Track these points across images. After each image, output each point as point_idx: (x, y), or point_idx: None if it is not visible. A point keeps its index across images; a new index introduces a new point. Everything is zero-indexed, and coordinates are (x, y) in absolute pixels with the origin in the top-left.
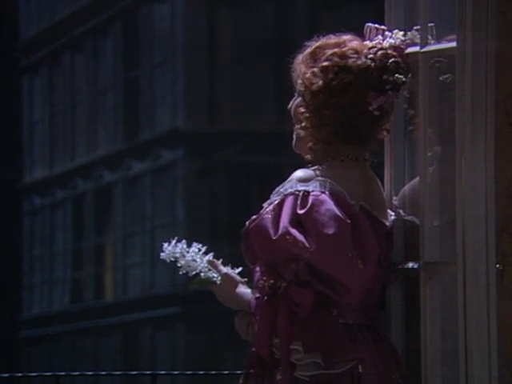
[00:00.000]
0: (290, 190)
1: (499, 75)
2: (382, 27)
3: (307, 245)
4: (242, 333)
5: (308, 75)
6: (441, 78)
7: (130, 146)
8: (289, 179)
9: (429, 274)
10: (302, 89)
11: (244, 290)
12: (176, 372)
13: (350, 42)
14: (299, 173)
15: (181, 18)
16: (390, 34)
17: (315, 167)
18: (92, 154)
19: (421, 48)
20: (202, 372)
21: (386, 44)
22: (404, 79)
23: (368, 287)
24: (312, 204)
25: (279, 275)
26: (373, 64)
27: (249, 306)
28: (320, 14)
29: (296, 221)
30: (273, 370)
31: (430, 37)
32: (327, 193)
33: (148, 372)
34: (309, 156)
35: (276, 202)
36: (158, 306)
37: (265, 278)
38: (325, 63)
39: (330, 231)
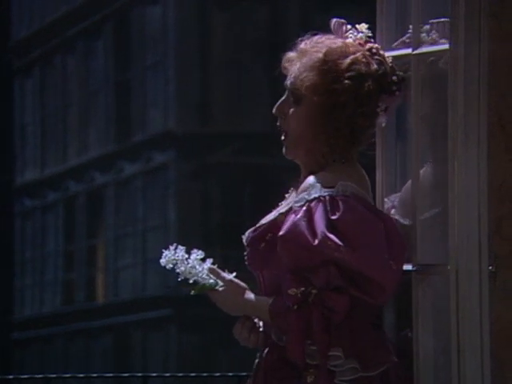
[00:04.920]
0: (314, 196)
1: (492, 77)
2: (342, 21)
3: (348, 249)
4: (242, 338)
5: (337, 86)
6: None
7: (121, 147)
8: (310, 185)
9: (421, 275)
10: (321, 99)
11: (252, 296)
12: (168, 374)
13: (349, 44)
14: (320, 178)
15: (173, 20)
16: (351, 27)
17: (327, 171)
18: (84, 155)
19: (413, 50)
20: (193, 374)
21: (361, 39)
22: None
23: None
24: (343, 208)
25: (308, 282)
26: (384, 67)
27: (269, 312)
28: (313, 16)
29: (329, 226)
30: (301, 373)
31: (434, 34)
32: (352, 196)
33: (139, 374)
34: (300, 160)
35: (304, 209)
36: (149, 308)
37: (296, 286)
38: (351, 73)
39: (367, 234)
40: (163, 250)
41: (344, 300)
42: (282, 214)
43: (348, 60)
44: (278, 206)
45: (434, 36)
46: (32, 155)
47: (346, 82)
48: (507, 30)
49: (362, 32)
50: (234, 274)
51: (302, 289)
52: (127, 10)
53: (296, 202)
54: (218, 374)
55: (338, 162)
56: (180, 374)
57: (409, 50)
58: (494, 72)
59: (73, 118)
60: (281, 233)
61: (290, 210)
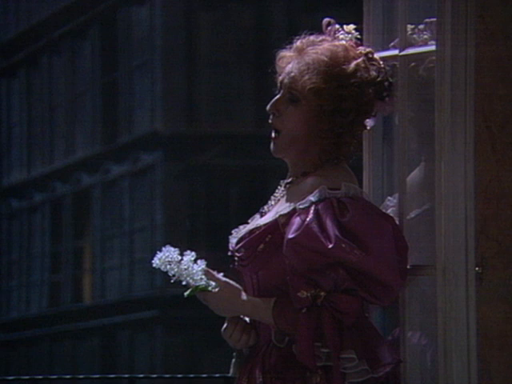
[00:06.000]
0: (320, 197)
1: (478, 78)
2: (332, 20)
3: (361, 251)
4: (233, 340)
5: (341, 92)
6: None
7: (108, 148)
8: (313, 186)
9: (408, 276)
10: (324, 103)
11: (248, 297)
12: (154, 375)
13: (348, 48)
14: (323, 179)
15: (159, 21)
16: (339, 27)
17: (325, 172)
18: (70, 156)
19: (400, 51)
20: (180, 375)
21: (352, 41)
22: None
23: None
24: (352, 210)
25: (316, 284)
26: (382, 75)
27: (273, 314)
28: (299, 17)
29: (340, 228)
30: (304, 374)
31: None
32: (356, 197)
33: (126, 375)
34: (290, 160)
35: (312, 211)
36: (136, 309)
37: (305, 288)
38: (355, 79)
39: (378, 236)
40: (157, 252)
41: (355, 302)
42: (282, 215)
43: (352, 66)
44: (268, 206)
45: (425, 37)
46: (18, 156)
47: (352, 88)
48: (493, 30)
49: (351, 33)
50: (222, 274)
51: (312, 291)
52: (114, 10)
53: (300, 203)
54: (204, 375)
55: (331, 162)
56: (167, 375)
57: (396, 51)
58: (480, 73)
59: (59, 119)
60: (290, 236)
61: (292, 212)
